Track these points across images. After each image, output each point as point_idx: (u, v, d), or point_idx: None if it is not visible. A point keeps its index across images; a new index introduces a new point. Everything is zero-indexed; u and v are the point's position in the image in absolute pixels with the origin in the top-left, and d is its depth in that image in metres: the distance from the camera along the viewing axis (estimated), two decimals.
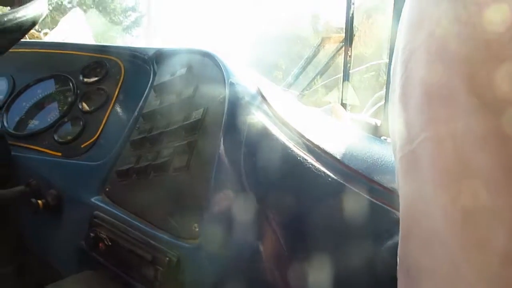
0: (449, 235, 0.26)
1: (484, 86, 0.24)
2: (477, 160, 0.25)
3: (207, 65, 0.57)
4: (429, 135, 0.28)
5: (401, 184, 0.34)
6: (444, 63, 0.26)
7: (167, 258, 0.42)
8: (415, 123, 0.29)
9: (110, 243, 0.49)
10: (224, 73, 0.51)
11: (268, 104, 0.46)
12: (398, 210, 0.36)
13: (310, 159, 0.41)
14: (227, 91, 0.48)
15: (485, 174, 0.24)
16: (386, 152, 0.51)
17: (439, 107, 0.27)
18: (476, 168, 0.25)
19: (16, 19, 0.46)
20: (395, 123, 0.33)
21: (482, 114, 0.24)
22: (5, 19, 0.46)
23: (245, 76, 0.51)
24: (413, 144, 0.30)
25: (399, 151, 0.32)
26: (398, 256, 0.35)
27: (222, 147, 0.43)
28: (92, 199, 0.56)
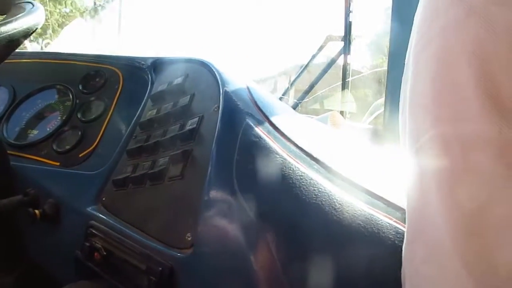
0: (453, 244, 0.25)
1: (502, 90, 0.22)
2: (485, 166, 0.23)
3: (204, 74, 0.57)
4: (435, 134, 0.26)
5: (407, 188, 0.32)
6: (457, 60, 0.25)
7: (160, 268, 0.42)
8: (423, 121, 0.28)
9: (105, 253, 0.49)
10: (220, 82, 0.52)
11: (262, 113, 0.46)
12: (395, 221, 0.36)
13: (304, 169, 0.41)
14: (221, 100, 0.48)
15: (494, 182, 0.23)
16: (383, 162, 0.51)
17: (448, 106, 0.25)
18: (483, 174, 0.23)
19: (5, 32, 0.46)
20: (405, 122, 0.31)
21: (495, 118, 0.22)
22: None
23: (240, 85, 0.52)
24: (419, 144, 0.28)
25: (408, 151, 0.31)
26: (402, 262, 0.34)
27: (215, 155, 0.43)
28: (89, 209, 0.56)
